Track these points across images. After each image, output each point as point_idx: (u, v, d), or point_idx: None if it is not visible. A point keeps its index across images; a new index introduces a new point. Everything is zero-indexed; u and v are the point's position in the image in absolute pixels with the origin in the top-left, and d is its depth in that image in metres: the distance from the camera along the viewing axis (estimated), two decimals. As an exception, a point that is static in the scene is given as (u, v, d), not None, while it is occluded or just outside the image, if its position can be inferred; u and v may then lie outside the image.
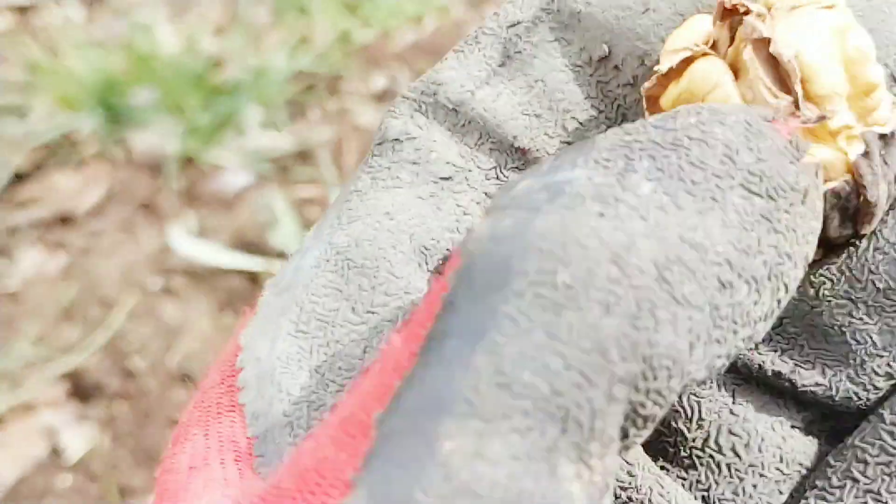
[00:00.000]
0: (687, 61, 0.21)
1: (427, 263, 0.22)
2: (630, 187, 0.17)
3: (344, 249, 0.22)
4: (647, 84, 0.22)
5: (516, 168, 0.24)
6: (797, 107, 0.20)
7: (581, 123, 0.24)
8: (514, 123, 0.23)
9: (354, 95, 1.44)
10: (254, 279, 1.18)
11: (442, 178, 0.23)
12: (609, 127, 0.24)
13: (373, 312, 0.21)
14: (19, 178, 1.31)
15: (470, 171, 0.23)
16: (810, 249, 0.19)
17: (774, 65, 0.20)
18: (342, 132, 1.37)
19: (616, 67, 0.23)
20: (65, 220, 1.27)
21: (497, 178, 0.24)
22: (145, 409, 1.08)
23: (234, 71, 1.41)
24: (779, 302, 0.18)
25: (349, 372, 0.21)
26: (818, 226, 0.19)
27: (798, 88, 0.20)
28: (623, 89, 0.24)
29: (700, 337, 0.17)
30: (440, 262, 0.23)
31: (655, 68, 0.22)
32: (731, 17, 0.21)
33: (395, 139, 0.24)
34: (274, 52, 1.45)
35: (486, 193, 0.23)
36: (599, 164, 0.17)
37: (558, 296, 0.16)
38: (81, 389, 1.11)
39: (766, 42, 0.20)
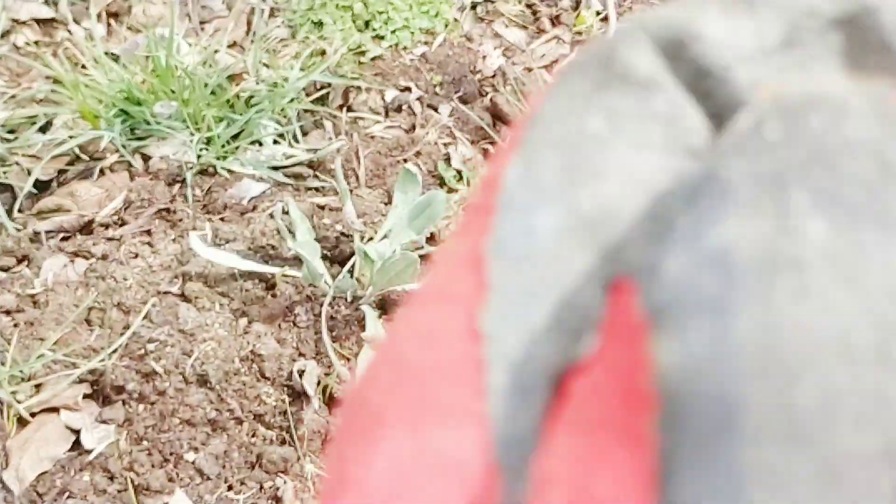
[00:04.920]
0: None
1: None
2: (798, 236, 0.14)
3: (592, 222, 0.17)
4: None
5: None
6: None
7: None
8: None
9: (366, 107, 1.46)
10: (269, 285, 1.20)
11: (693, 153, 0.18)
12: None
13: None
14: (41, 188, 1.34)
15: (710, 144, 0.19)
16: None
17: None
18: (355, 142, 1.39)
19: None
20: (85, 229, 1.29)
21: None
22: (163, 411, 1.10)
23: (251, 84, 1.43)
24: None
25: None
26: None
27: None
28: None
29: None
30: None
31: None
32: None
33: (642, 84, 0.18)
34: (289, 65, 1.48)
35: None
36: (747, 210, 0.15)
37: (803, 426, 0.13)
38: (101, 391, 1.13)
39: None
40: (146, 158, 1.37)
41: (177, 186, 1.33)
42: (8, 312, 1.18)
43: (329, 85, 1.47)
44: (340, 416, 0.19)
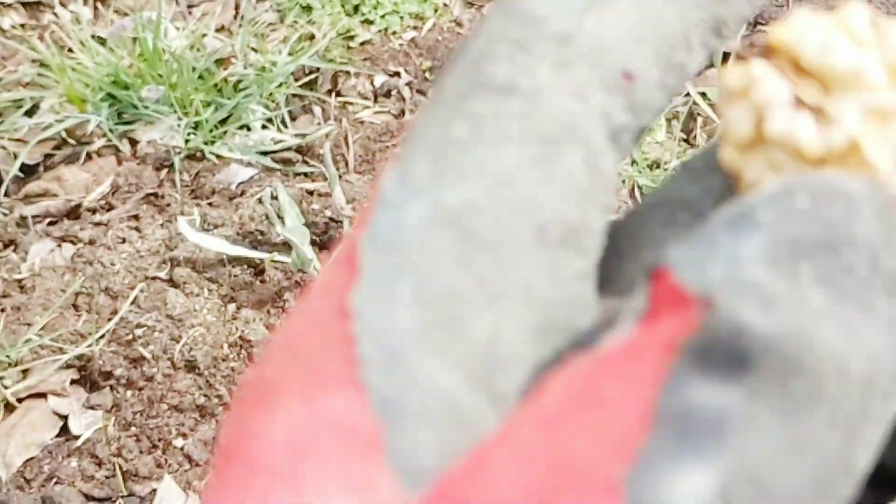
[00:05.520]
0: None
1: (544, 242, 0.21)
2: (803, 292, 0.17)
3: (458, 215, 0.20)
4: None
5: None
6: None
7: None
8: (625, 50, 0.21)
9: (356, 91, 1.46)
10: (257, 270, 1.20)
11: (550, 138, 0.20)
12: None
13: (497, 301, 0.19)
14: (28, 172, 1.33)
15: (577, 127, 0.21)
16: None
17: None
18: (344, 127, 1.39)
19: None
20: (72, 213, 1.29)
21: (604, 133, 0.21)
22: (151, 397, 1.10)
23: (239, 68, 1.43)
24: None
25: (477, 361, 0.19)
26: None
27: None
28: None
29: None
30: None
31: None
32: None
33: (502, 88, 0.21)
34: (277, 49, 1.47)
35: (594, 152, 0.21)
36: (766, 262, 0.17)
37: (796, 403, 0.16)
38: (88, 377, 1.13)
39: None
40: (133, 143, 1.36)
41: (164, 171, 1.33)
42: (-6, 297, 1.18)
43: (318, 69, 1.47)
44: (239, 392, 0.20)
